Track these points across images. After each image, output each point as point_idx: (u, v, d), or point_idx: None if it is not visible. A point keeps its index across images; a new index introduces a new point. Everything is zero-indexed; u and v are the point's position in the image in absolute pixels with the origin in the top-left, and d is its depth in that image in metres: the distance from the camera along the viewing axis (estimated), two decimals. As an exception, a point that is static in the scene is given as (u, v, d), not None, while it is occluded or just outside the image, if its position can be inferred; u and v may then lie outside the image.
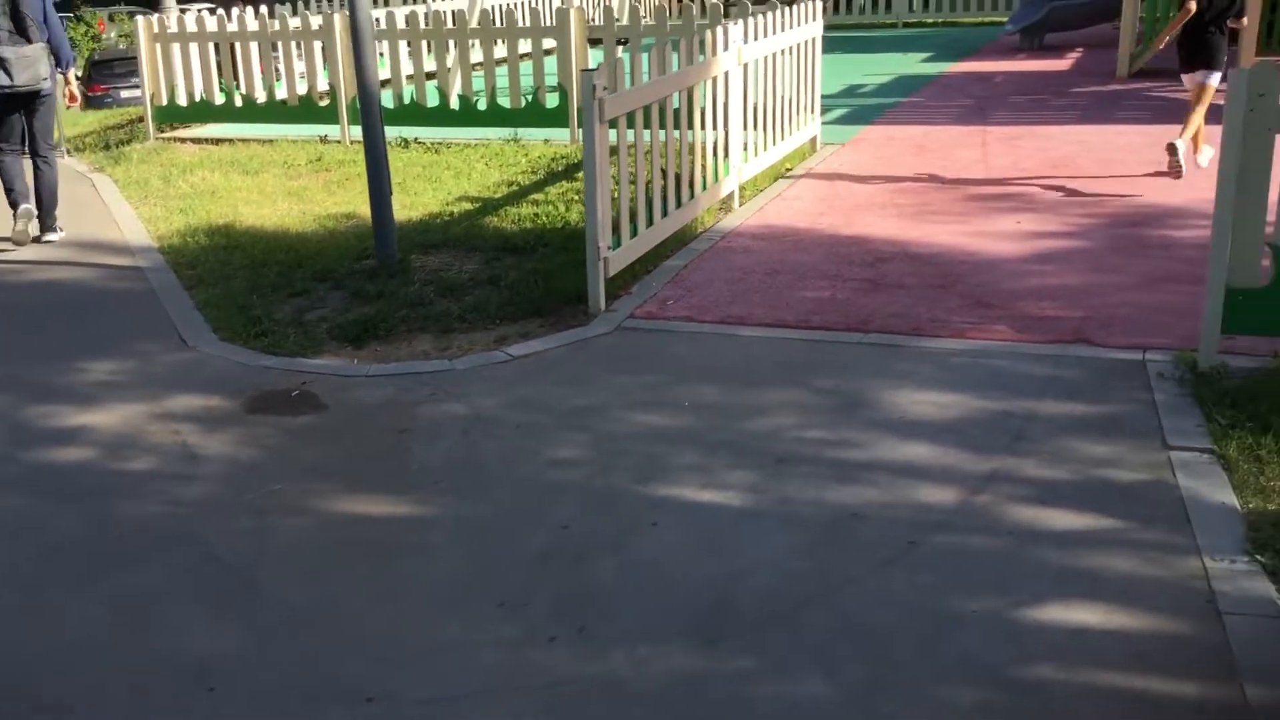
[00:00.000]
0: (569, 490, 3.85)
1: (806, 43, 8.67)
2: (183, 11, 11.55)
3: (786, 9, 8.20)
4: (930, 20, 20.18)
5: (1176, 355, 4.55)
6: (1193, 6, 7.74)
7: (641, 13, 10.56)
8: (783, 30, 8.08)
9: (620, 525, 3.60)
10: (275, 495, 3.92)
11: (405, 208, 7.85)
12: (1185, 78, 8.00)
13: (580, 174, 8.41)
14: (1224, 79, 6.24)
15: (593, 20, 10.59)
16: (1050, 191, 7.58)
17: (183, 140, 11.01)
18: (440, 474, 4.03)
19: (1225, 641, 2.84)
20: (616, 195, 6.13)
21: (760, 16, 7.72)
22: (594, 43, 10.39)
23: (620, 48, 10.08)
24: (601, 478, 3.92)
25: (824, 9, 19.54)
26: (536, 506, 3.75)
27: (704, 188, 7.00)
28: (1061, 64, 13.91)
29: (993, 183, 7.92)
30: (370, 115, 6.39)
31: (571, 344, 5.20)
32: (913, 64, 14.78)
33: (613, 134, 5.89)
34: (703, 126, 6.91)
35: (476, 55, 10.54)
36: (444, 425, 4.42)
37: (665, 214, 6.41)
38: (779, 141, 8.33)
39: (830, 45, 17.14)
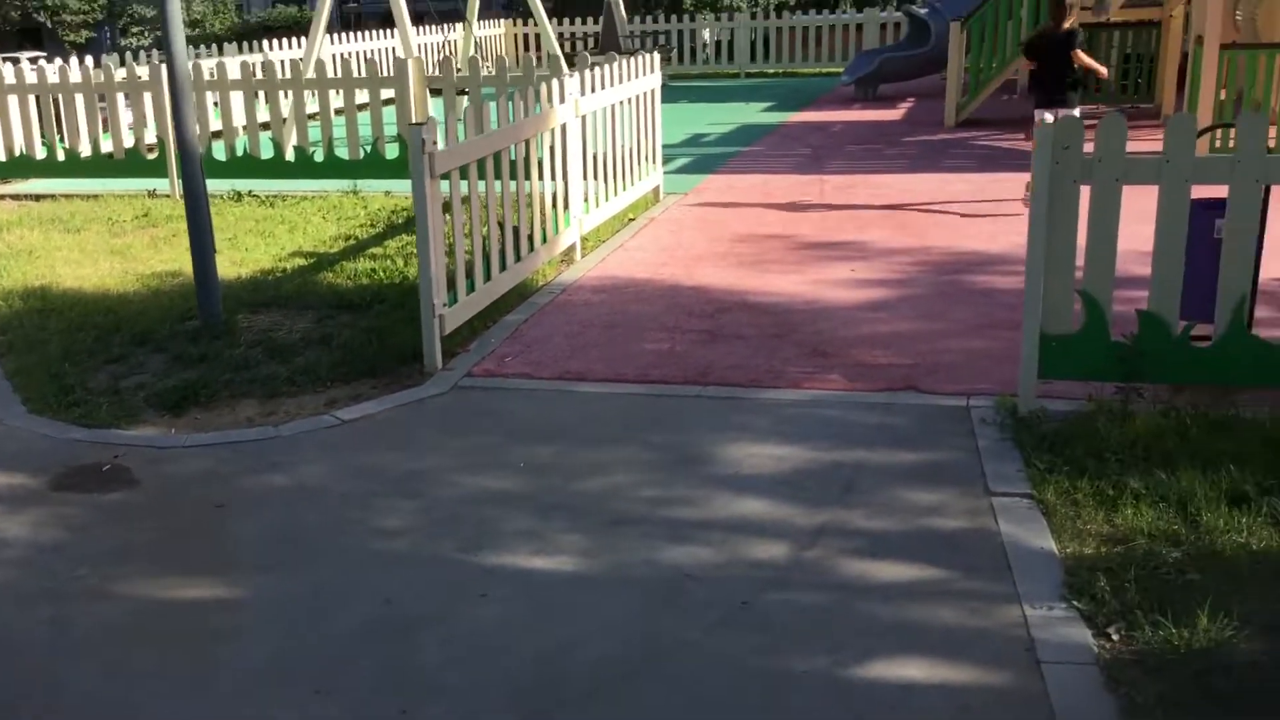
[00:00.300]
0: (394, 561, 3.70)
1: (645, 94, 8.75)
2: (3, 61, 11.00)
3: (626, 61, 8.27)
4: (771, 70, 20.74)
5: (998, 400, 4.67)
6: (1025, 59, 8.54)
7: (482, 63, 10.51)
8: (621, 82, 8.14)
9: (447, 597, 3.47)
10: (78, 580, 3.66)
11: (235, 264, 7.57)
12: (1039, 113, 8.28)
13: (420, 227, 8.25)
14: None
15: (432, 71, 10.49)
16: (882, 239, 7.79)
17: (0, 197, 10.43)
18: (258, 550, 3.83)
19: (1044, 691, 2.88)
20: (453, 250, 6.02)
21: (598, 69, 7.76)
22: (435, 93, 10.29)
23: (461, 98, 10.01)
24: (429, 546, 3.78)
25: (669, 59, 19.96)
26: (359, 580, 3.59)
27: (544, 240, 6.95)
28: (894, 114, 14.43)
29: (829, 231, 8.10)
30: (190, 167, 6.14)
31: (405, 405, 5.05)
32: (754, 113, 15.12)
33: (452, 186, 5.78)
34: (541, 178, 6.87)
35: (314, 106, 10.32)
36: (265, 497, 4.22)
37: (504, 268, 6.33)
38: (621, 192, 8.36)
39: (674, 95, 17.45)
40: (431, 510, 4.03)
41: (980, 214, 8.41)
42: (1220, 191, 4.32)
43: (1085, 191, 4.37)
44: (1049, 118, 8.29)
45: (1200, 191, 4.32)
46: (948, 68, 13.04)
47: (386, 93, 10.36)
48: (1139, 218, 4.63)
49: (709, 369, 5.35)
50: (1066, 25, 8.19)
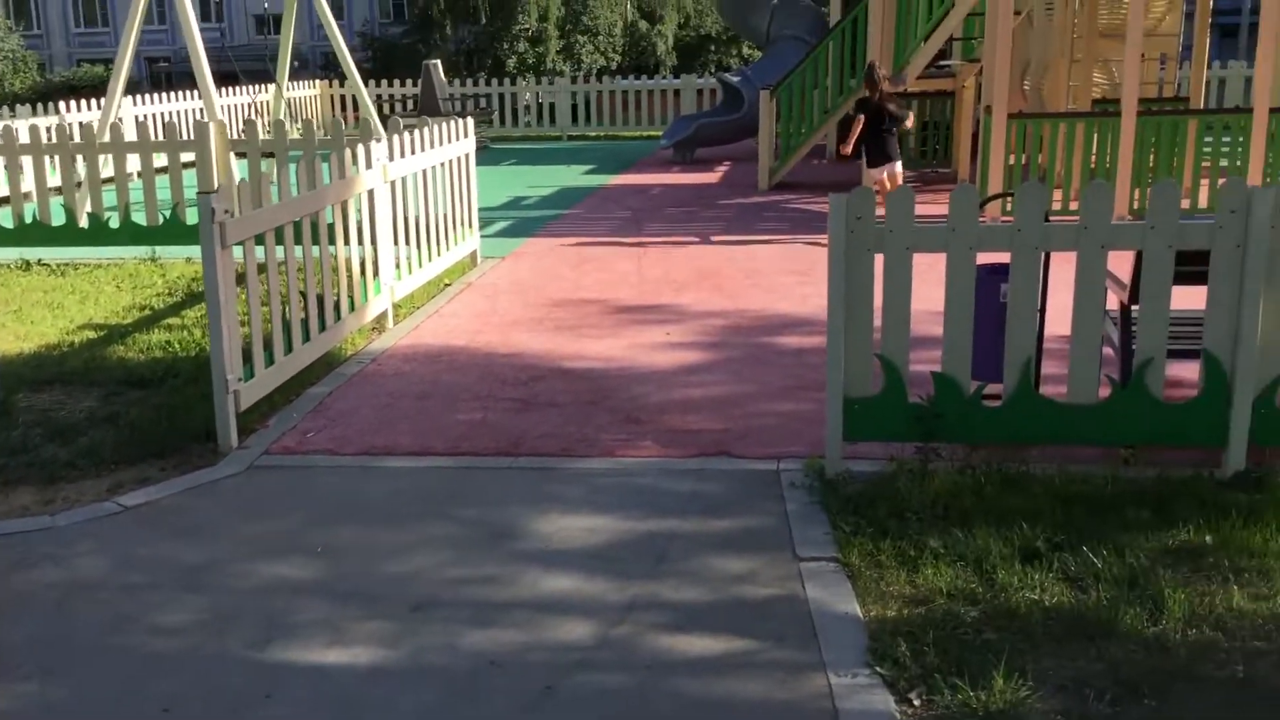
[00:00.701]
0: (175, 663, 3.43)
1: (459, 159, 8.66)
2: None
3: (438, 126, 8.18)
4: (593, 133, 20.99)
5: (807, 463, 4.72)
6: (862, 118, 9.91)
7: (291, 126, 10.22)
8: (433, 147, 8.03)
9: (231, 699, 3.23)
10: None
11: (18, 339, 7.07)
12: (873, 171, 10.10)
13: (223, 295, 7.89)
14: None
15: (237, 134, 10.14)
16: (698, 302, 7.87)
17: None
18: (24, 655, 3.50)
19: (848, 763, 2.86)
20: (251, 321, 5.75)
21: (407, 134, 7.64)
22: (241, 156, 9.94)
23: (268, 160, 9.70)
24: (215, 644, 3.53)
25: (490, 121, 19.96)
26: (134, 687, 3.31)
27: (352, 308, 6.74)
28: (711, 177, 14.76)
29: (646, 294, 8.14)
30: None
31: (195, 488, 4.76)
32: (575, 176, 15.22)
33: (247, 255, 5.54)
34: (347, 244, 6.68)
35: (111, 170, 9.82)
36: (33, 595, 3.87)
37: (307, 339, 6.09)
38: (435, 257, 8.22)
39: (496, 157, 17.44)
40: (218, 603, 3.77)
41: (792, 275, 8.61)
42: (1005, 257, 4.51)
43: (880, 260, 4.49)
44: (875, 174, 9.90)
45: (987, 258, 4.50)
46: (760, 133, 13.42)
47: (189, 155, 9.95)
48: (940, 280, 4.79)
49: (521, 439, 5.24)
50: (880, 93, 9.82)
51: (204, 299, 7.89)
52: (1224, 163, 9.97)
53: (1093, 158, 9.99)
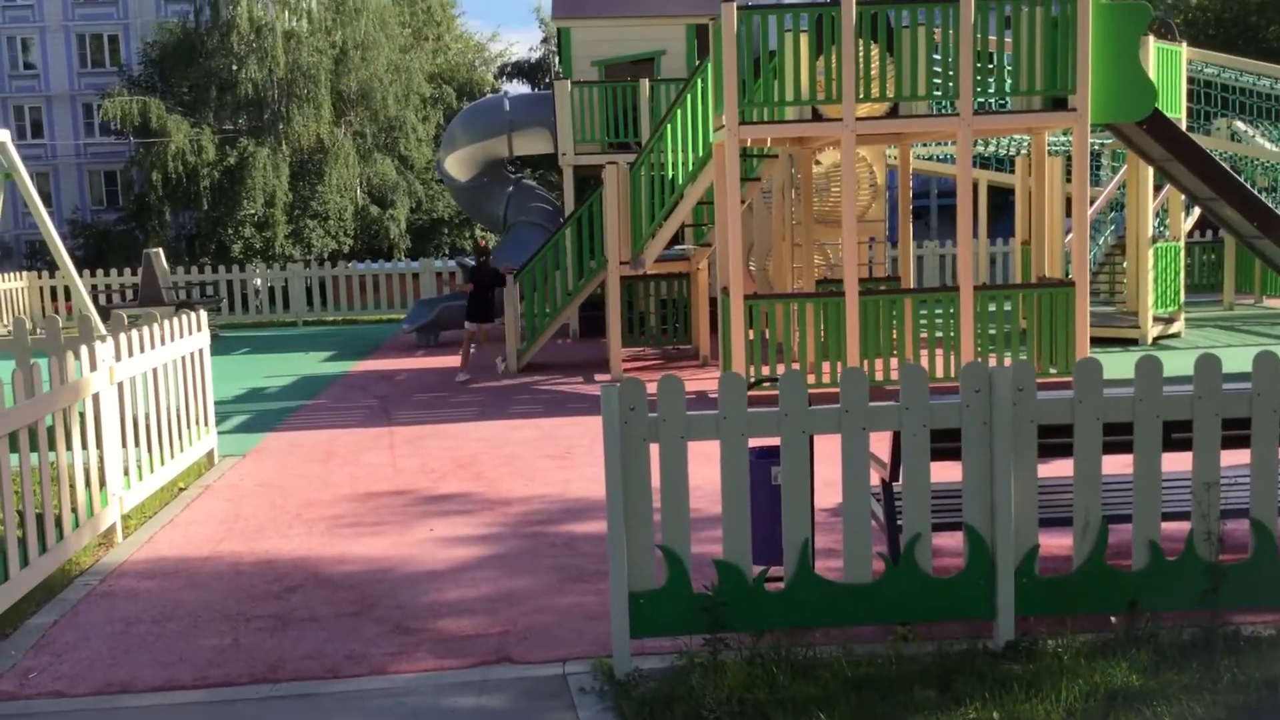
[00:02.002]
0: None
1: (193, 354, 8.18)
2: None
3: (168, 321, 7.71)
4: (330, 318, 20.57)
5: (594, 664, 4.54)
6: (470, 287, 13.17)
7: (0, 325, 9.40)
8: (163, 344, 7.55)
9: None
10: None
11: None
12: (470, 325, 13.11)
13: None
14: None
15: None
16: (458, 493, 7.64)
17: None
18: None
19: None
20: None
21: (135, 332, 7.14)
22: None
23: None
24: None
25: (218, 309, 19.19)
26: None
27: (76, 525, 6.08)
28: (457, 360, 14.63)
29: (403, 487, 7.83)
30: None
31: (-115, 759, 4.03)
32: (315, 363, 14.76)
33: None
34: (71, 452, 6.07)
35: None
36: None
37: (26, 564, 5.42)
38: (169, 460, 7.62)
39: (228, 346, 16.70)
40: None
41: (551, 459, 8.53)
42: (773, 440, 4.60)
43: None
44: (471, 327, 13.06)
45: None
46: (505, 316, 13.53)
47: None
48: (714, 458, 4.83)
49: (280, 662, 4.79)
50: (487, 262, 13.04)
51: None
52: (939, 334, 10.83)
53: (822, 333, 10.62)
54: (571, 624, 5.10)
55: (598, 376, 12.62)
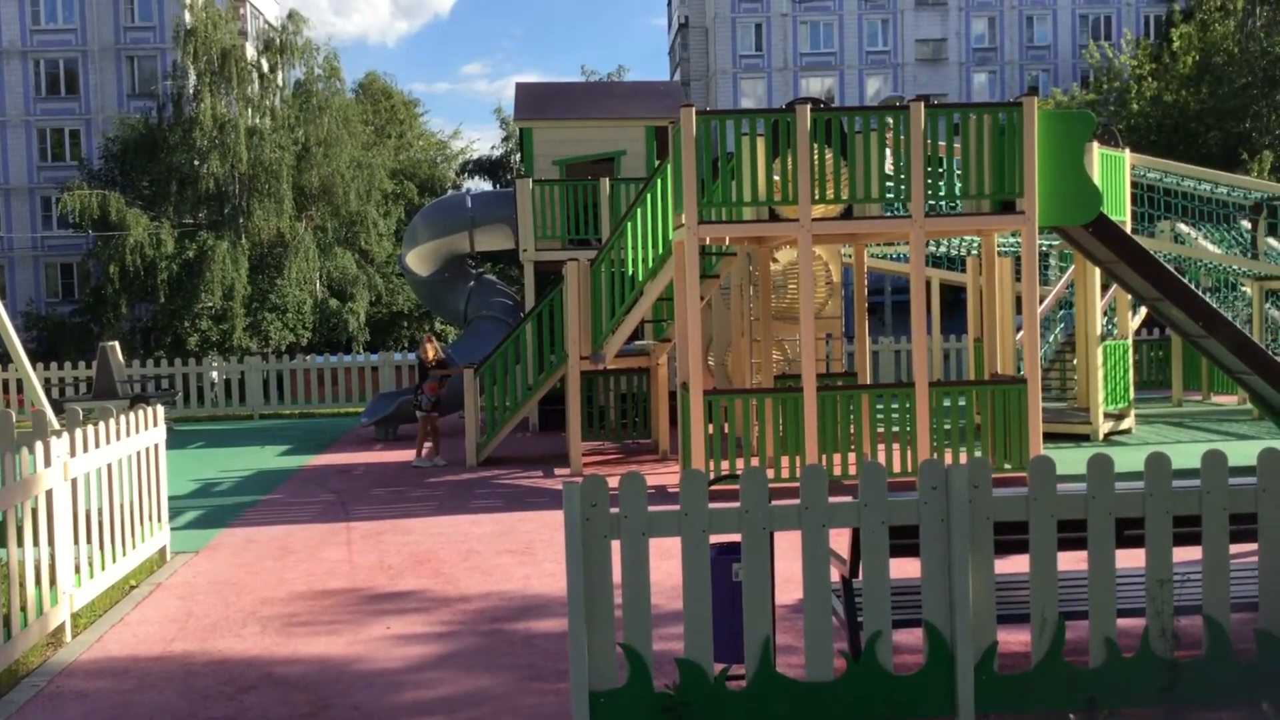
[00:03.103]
0: None
1: (148, 449, 8.10)
2: None
3: (125, 416, 7.65)
4: (287, 411, 20.41)
5: (554, 766, 4.48)
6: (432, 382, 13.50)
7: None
8: (119, 439, 7.48)
9: None
10: None
11: None
12: (421, 415, 13.47)
13: None
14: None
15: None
16: (417, 590, 7.55)
17: None
18: None
19: None
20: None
21: (91, 426, 7.08)
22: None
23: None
24: None
25: (173, 402, 19.00)
26: None
27: (24, 624, 5.95)
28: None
29: (360, 585, 7.73)
30: None
31: None
32: (271, 457, 14.61)
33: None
34: (21, 549, 5.96)
35: None
36: None
37: (-31, 665, 5.28)
38: (121, 558, 7.49)
39: (182, 439, 16.51)
40: None
41: (511, 554, 8.48)
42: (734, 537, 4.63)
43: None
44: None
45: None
46: (465, 410, 13.52)
47: None
48: (675, 553, 4.83)
49: (233, 766, 4.68)
50: (431, 358, 13.46)
51: None
52: (895, 429, 10.96)
53: (781, 427, 10.71)
54: (532, 725, 5.04)
55: (558, 471, 12.60)
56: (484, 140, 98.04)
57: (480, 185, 51.83)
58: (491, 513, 10.27)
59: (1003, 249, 15.07)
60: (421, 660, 6.06)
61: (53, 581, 6.38)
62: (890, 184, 10.67)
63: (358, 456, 14.45)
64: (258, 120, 40.25)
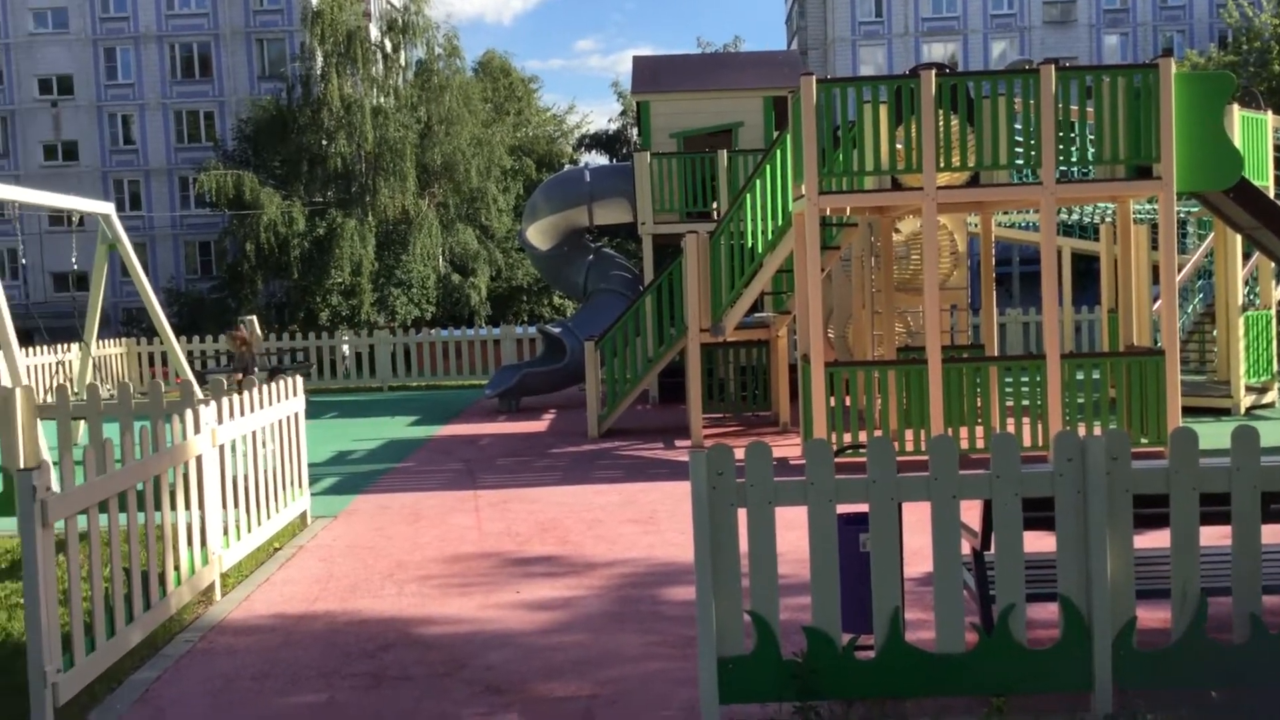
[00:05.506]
0: None
1: (289, 417, 8.43)
2: None
3: (267, 387, 7.98)
4: (415, 384, 20.95)
5: (684, 730, 4.56)
6: None
7: (104, 389, 9.78)
8: (262, 408, 7.81)
9: None
10: None
11: None
12: None
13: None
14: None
15: (44, 398, 9.61)
16: (544, 556, 7.73)
17: None
18: None
19: None
20: (69, 602, 5.26)
21: (236, 395, 7.41)
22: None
23: (77, 424, 9.19)
24: None
25: (308, 374, 19.69)
26: None
27: (178, 582, 6.28)
28: (539, 425, 14.84)
29: (489, 550, 7.94)
30: None
31: (3, 806, 4.19)
32: (401, 428, 15.04)
33: (69, 534, 5.12)
34: (175, 512, 6.29)
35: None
36: None
37: (131, 619, 5.61)
38: (265, 520, 7.84)
39: (317, 410, 17.08)
40: None
41: (634, 524, 8.59)
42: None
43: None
44: None
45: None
46: (586, 382, 13.69)
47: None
48: (802, 523, 4.84)
49: (375, 721, 4.89)
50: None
51: (8, 576, 7.27)
52: (1025, 403, 10.71)
53: (905, 400, 10.57)
54: (658, 689, 5.13)
55: (678, 442, 12.68)
56: (598, 113, 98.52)
57: (596, 160, 52.15)
58: (614, 483, 10.41)
59: (1138, 216, 14.54)
60: (550, 624, 6.21)
61: (203, 543, 6.72)
62: (1019, 150, 10.39)
63: (483, 427, 14.77)
64: (382, 100, 41.21)
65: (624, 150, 50.25)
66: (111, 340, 20.86)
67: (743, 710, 4.63)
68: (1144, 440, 10.39)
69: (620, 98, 50.95)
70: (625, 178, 17.44)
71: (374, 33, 43.09)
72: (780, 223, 11.91)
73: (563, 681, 5.28)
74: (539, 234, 18.09)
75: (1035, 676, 4.48)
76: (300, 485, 8.73)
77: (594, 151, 53.47)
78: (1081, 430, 10.46)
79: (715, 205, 15.99)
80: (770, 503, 4.54)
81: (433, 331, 21.94)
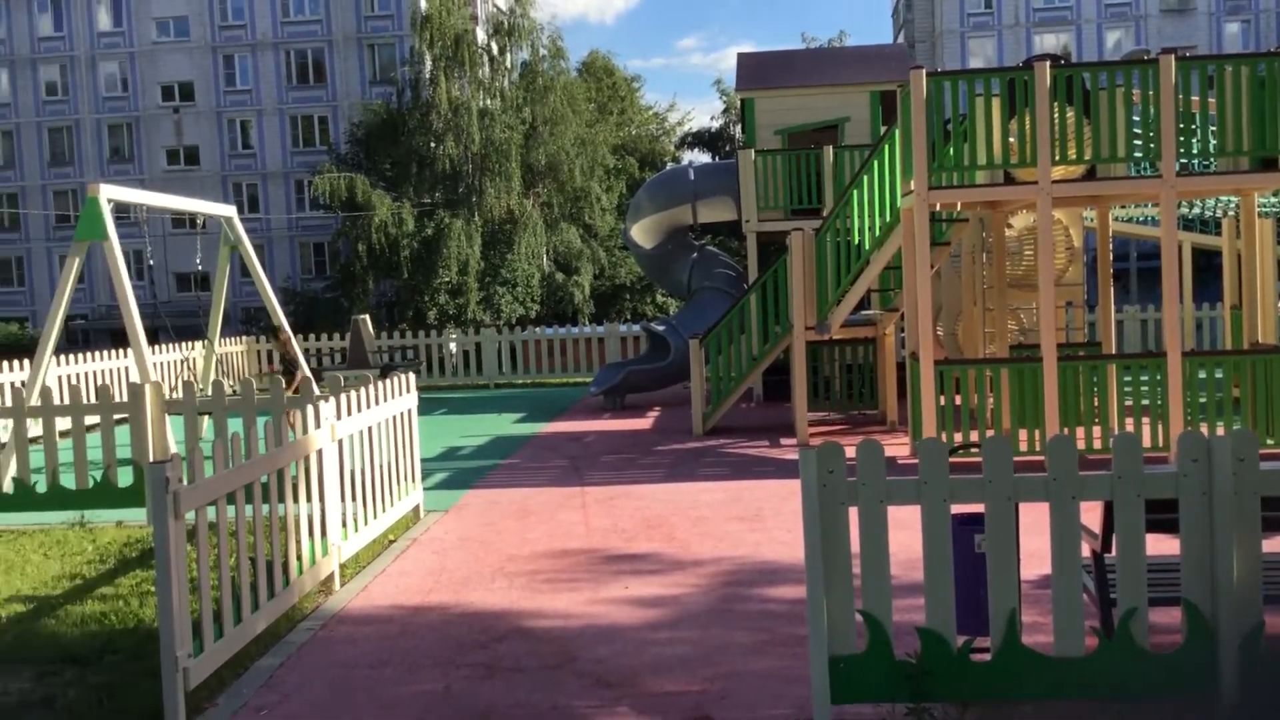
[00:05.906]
0: None
1: (402, 414, 8.65)
2: None
3: (382, 383, 8.19)
4: (520, 381, 21.25)
5: (795, 728, 4.56)
6: None
7: (227, 385, 10.15)
8: (377, 404, 8.02)
9: None
10: None
11: (-66, 615, 6.64)
12: None
13: (158, 561, 7.57)
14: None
15: (172, 392, 10.02)
16: (651, 553, 7.78)
17: None
18: None
19: None
20: (198, 590, 5.49)
21: (354, 391, 7.63)
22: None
23: (203, 419, 9.56)
24: None
25: (417, 372, 20.11)
26: None
27: (300, 572, 6.50)
28: (643, 423, 14.92)
29: (597, 546, 8.03)
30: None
31: (142, 782, 4.40)
32: (508, 425, 15.27)
33: (199, 523, 5.35)
34: (297, 504, 6.51)
35: (35, 429, 9.57)
36: None
37: (256, 607, 5.83)
38: (381, 514, 8.05)
39: (426, 407, 17.44)
40: None
41: (741, 521, 8.59)
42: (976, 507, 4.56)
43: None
44: None
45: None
46: (691, 380, 13.71)
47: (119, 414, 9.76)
48: (915, 523, 4.80)
49: (490, 711, 4.99)
50: None
51: (138, 565, 7.63)
52: (1144, 402, 10.40)
53: (1019, 400, 10.35)
54: (769, 686, 5.13)
55: (783, 440, 12.63)
56: (699, 110, 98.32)
57: (699, 158, 52.11)
58: (719, 480, 10.42)
59: (1263, 209, 13.98)
60: (659, 620, 6.26)
61: (323, 534, 6.94)
62: (1138, 143, 10.09)
63: (588, 424, 14.91)
64: (488, 101, 41.85)
65: (726, 148, 50.14)
66: (233, 338, 21.61)
67: (854, 710, 4.61)
68: (1269, 441, 10.01)
69: (723, 95, 50.87)
70: (729, 175, 17.42)
71: (480, 35, 43.80)
72: (888, 219, 11.77)
73: (672, 677, 5.32)
74: (643, 232, 18.17)
75: (1157, 682, 4.36)
76: (414, 480, 8.94)
77: (696, 149, 53.45)
78: (1204, 430, 10.12)
79: (820, 205, 15.87)
80: (882, 501, 4.50)
81: (537, 329, 22.21)
